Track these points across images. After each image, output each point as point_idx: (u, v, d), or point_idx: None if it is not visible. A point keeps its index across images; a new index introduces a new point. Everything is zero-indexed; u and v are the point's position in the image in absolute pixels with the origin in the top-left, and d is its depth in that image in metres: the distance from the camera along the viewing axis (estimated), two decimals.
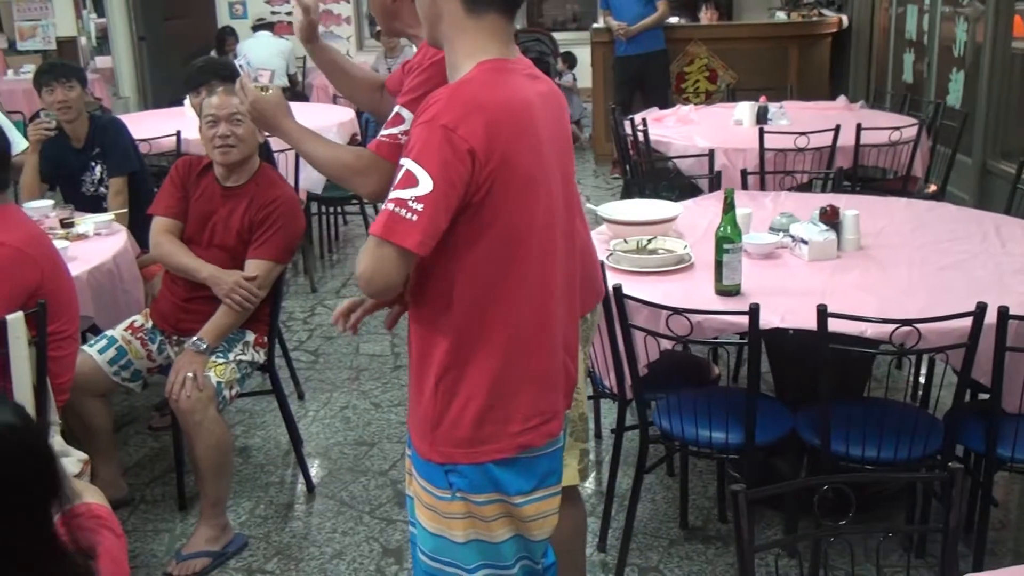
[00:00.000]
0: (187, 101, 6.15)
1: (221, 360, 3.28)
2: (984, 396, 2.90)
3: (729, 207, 2.96)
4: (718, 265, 2.95)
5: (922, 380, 3.83)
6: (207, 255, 3.38)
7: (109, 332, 3.47)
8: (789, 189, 4.70)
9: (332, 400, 4.42)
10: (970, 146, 6.38)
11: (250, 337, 3.42)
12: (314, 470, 3.80)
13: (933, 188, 5.63)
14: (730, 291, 2.95)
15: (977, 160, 6.54)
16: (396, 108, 2.26)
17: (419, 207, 1.75)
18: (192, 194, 3.45)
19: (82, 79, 4.50)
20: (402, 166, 1.80)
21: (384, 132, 2.24)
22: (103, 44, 10.23)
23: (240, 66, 2.56)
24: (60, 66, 4.55)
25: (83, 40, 9.97)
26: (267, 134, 3.21)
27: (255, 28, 9.72)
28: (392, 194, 1.79)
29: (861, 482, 2.77)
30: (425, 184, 1.75)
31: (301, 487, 3.72)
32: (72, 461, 2.90)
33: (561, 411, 2.04)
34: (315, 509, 3.58)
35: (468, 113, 1.79)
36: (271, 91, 2.37)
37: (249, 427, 4.18)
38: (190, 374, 3.17)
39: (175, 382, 3.17)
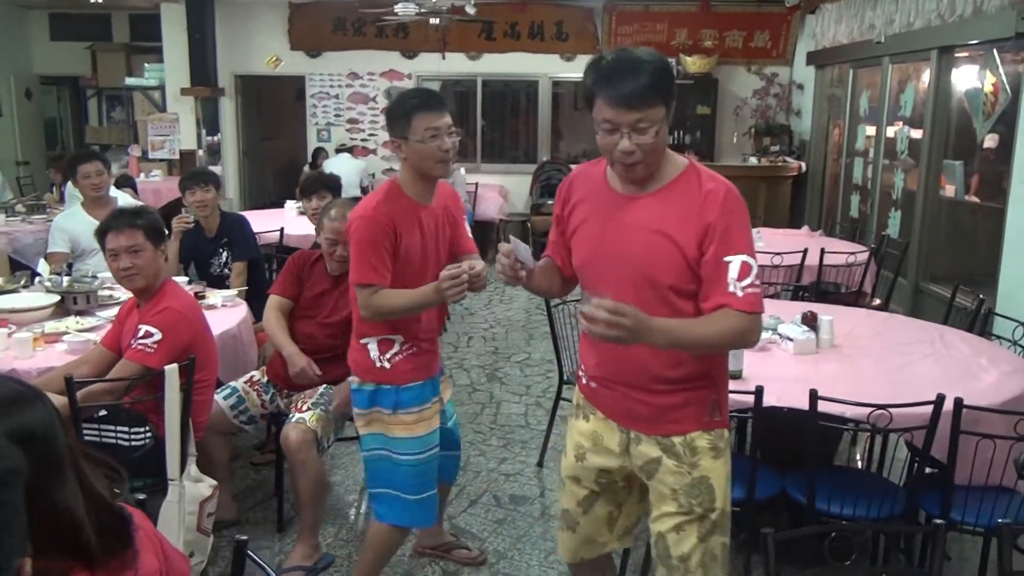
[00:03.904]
0: (292, 204, 6.34)
1: (322, 413, 3.30)
2: (931, 470, 2.91)
3: None
4: None
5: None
6: (320, 328, 3.45)
7: (232, 383, 3.51)
8: (764, 297, 4.76)
9: None
10: (906, 270, 6.47)
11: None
12: None
13: (878, 302, 5.69)
14: (735, 375, 2.97)
15: (911, 282, 6.63)
16: (743, 258, 1.90)
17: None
18: (307, 280, 3.52)
19: (217, 184, 4.60)
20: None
21: (742, 284, 1.89)
22: (214, 156, 10.45)
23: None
24: (202, 173, 4.67)
25: (200, 152, 10.19)
26: None
27: (338, 151, 9.94)
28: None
29: (855, 531, 2.76)
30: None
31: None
32: (205, 486, 2.92)
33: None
34: None
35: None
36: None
37: (331, 467, 4.17)
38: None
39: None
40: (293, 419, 3.22)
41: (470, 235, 2.86)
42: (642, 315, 1.78)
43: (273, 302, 3.55)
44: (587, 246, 2.09)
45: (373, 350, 2.63)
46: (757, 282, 1.90)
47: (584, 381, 2.21)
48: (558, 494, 3.92)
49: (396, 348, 2.62)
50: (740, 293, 1.87)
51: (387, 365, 2.62)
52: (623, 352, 1.98)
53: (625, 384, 2.07)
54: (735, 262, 1.89)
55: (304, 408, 3.26)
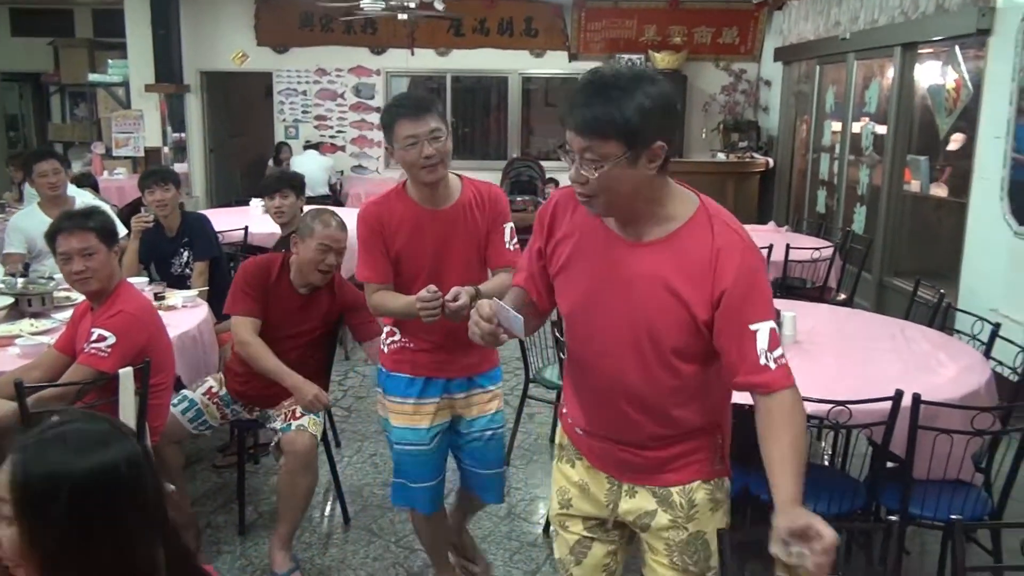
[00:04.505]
0: (258, 202, 6.21)
1: (317, 418, 3.28)
2: (892, 465, 2.93)
3: None
4: None
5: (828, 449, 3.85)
6: (290, 347, 3.30)
7: (190, 395, 3.39)
8: None
9: (363, 448, 4.38)
10: (870, 265, 6.53)
11: None
12: (349, 506, 3.73)
13: (843, 297, 5.73)
14: None
15: (876, 276, 6.69)
16: (771, 325, 1.70)
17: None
18: (272, 295, 3.31)
19: (177, 182, 4.52)
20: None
21: (774, 355, 1.69)
22: (180, 153, 10.33)
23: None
24: (161, 172, 4.59)
25: (166, 149, 10.07)
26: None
27: (305, 147, 9.85)
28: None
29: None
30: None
31: (338, 519, 3.68)
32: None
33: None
34: (350, 538, 3.53)
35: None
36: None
37: None
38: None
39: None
40: (293, 427, 3.19)
41: (509, 246, 2.67)
42: (809, 513, 1.55)
43: (244, 324, 3.25)
44: (577, 294, 1.82)
45: (383, 333, 2.83)
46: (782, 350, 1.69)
47: (570, 422, 1.99)
48: (524, 492, 3.92)
49: (396, 337, 2.76)
50: (774, 365, 1.65)
51: (385, 349, 2.80)
52: (617, 413, 1.81)
53: (617, 440, 1.86)
54: (763, 330, 1.65)
55: (300, 415, 3.24)
